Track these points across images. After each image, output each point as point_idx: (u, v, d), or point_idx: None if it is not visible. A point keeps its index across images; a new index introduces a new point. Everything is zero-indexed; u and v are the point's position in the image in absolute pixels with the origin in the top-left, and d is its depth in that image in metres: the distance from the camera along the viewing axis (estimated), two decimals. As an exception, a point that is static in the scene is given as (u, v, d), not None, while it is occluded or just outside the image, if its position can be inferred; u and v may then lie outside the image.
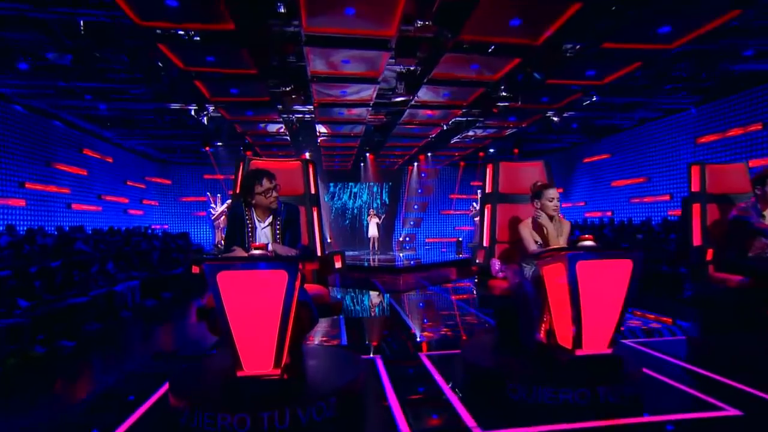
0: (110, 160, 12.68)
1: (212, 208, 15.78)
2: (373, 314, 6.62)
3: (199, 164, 16.13)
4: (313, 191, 3.71)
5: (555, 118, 10.09)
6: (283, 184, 2.99)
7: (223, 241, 15.45)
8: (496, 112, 9.80)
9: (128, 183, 13.89)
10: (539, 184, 3.44)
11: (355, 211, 17.96)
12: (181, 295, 8.53)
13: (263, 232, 2.93)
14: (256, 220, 2.92)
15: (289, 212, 2.99)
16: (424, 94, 8.65)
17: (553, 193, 3.35)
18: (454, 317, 5.88)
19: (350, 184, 17.94)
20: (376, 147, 14.49)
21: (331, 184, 17.65)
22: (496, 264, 3.58)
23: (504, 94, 8.32)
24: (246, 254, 2.75)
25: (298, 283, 2.56)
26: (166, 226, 15.61)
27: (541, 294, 3.02)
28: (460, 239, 15.57)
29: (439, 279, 10.21)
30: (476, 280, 3.73)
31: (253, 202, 2.84)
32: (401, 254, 15.02)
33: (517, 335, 3.14)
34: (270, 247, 2.75)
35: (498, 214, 3.85)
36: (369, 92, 8.56)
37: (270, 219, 2.92)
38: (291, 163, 3.79)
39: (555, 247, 3.17)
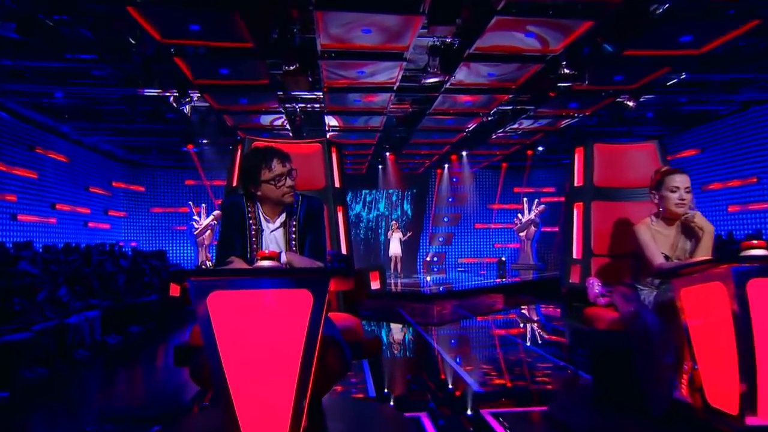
0: (67, 160, 12.69)
1: (195, 221, 15.51)
2: (404, 354, 6.38)
3: (179, 167, 16.22)
4: (338, 184, 3.34)
5: (630, 103, 9.70)
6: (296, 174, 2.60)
7: (208, 261, 15.27)
8: (553, 97, 9.57)
9: (90, 189, 13.93)
10: (663, 170, 2.96)
11: (371, 223, 17.75)
12: (154, 329, 8.44)
13: (273, 236, 2.57)
14: (263, 220, 2.55)
15: (309, 208, 2.60)
16: (463, 74, 8.49)
17: (679, 179, 2.88)
18: (520, 360, 5.63)
19: (364, 191, 17.89)
20: (398, 145, 14.40)
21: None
22: (595, 285, 3.11)
23: (566, 71, 8.00)
24: (249, 267, 2.35)
25: (325, 310, 2.12)
26: (135, 243, 15.66)
27: (673, 329, 2.52)
28: (503, 259, 15.36)
29: (481, 308, 10.06)
30: (564, 308, 3.27)
31: (259, 193, 2.50)
32: (428, 277, 15.00)
33: (630, 388, 2.64)
34: (283, 258, 2.37)
35: (594, 216, 3.38)
36: (393, 73, 8.43)
37: (283, 218, 2.57)
38: (307, 145, 3.41)
39: (695, 260, 2.67)
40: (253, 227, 2.54)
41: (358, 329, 2.82)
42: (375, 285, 2.91)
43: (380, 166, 16.97)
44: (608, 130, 12.80)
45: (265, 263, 2.22)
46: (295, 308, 2.11)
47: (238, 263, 2.43)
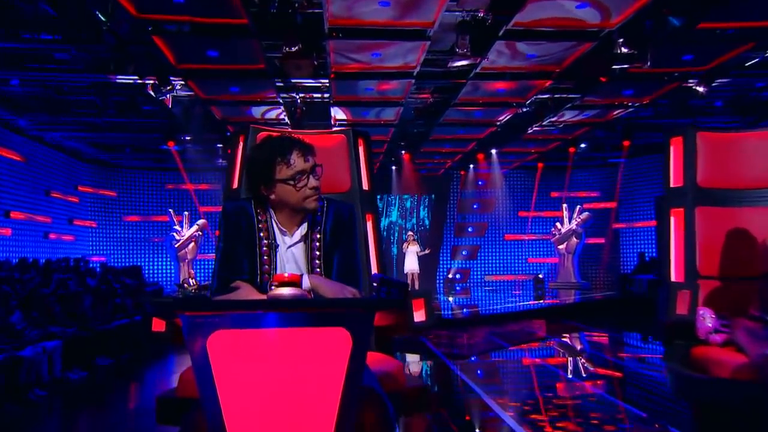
0: (24, 160, 12.73)
1: (176, 231, 15.92)
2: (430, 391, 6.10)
3: (157, 168, 16.27)
4: (366, 186, 3.10)
5: (700, 89, 9.48)
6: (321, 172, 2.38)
7: (191, 279, 15.18)
8: (605, 82, 9.48)
9: (52, 195, 13.90)
10: None
11: (382, 234, 17.67)
12: (127, 361, 8.35)
13: (290, 253, 2.31)
14: (278, 232, 2.31)
15: (339, 216, 2.35)
16: (497, 55, 8.44)
17: None
18: (583, 406, 5.45)
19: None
20: (415, 141, 14.40)
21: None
22: (707, 318, 2.78)
23: (623, 50, 7.84)
24: (262, 296, 2.09)
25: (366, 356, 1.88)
26: (104, 258, 15.68)
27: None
28: (541, 276, 15.32)
29: (520, 336, 10.02)
30: (664, 347, 2.95)
31: (273, 197, 2.25)
32: (450, 298, 14.94)
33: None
34: (306, 283, 2.11)
35: (699, 226, 3.06)
36: (414, 55, 8.40)
37: (304, 229, 2.32)
38: (328, 136, 3.16)
39: None
40: (265, 241, 2.28)
41: (399, 376, 2.53)
42: (419, 317, 2.68)
43: (393, 167, 17.03)
44: (666, 123, 12.59)
45: (285, 291, 1.92)
46: (327, 353, 1.83)
47: (246, 291, 2.15)
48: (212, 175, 16.09)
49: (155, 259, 16.60)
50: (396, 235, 17.93)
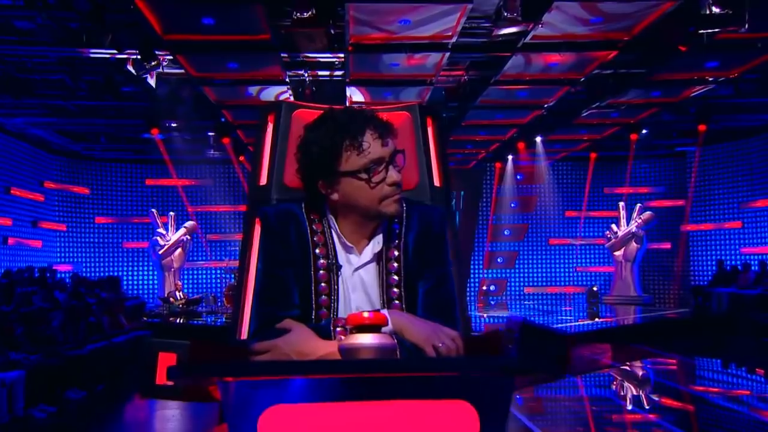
0: None
1: (160, 235, 15.99)
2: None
3: (138, 161, 16.37)
4: (438, 182, 2.68)
5: None
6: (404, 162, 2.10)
7: (179, 293, 15.27)
8: (684, 53, 9.28)
9: (13, 192, 13.93)
10: None
11: (458, 247, 18.02)
12: (103, 393, 8.29)
13: (358, 278, 2.01)
14: (341, 247, 2.01)
15: (425, 225, 2.04)
16: (554, 18, 8.27)
17: None
18: None
19: None
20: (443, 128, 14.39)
21: None
22: None
23: (715, 10, 7.72)
24: (329, 346, 1.77)
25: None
26: (74, 267, 15.63)
27: None
28: (595, 288, 15.28)
29: (579, 363, 9.83)
30: None
31: (335, 197, 1.95)
32: (485, 314, 14.92)
33: None
34: (391, 326, 1.75)
35: None
36: (450, 22, 8.32)
37: (377, 244, 2.00)
38: (384, 114, 2.71)
39: None
40: (323, 261, 1.96)
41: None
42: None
43: (417, 158, 17.07)
44: (751, 102, 12.50)
45: (367, 340, 1.57)
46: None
47: (301, 336, 1.79)
48: (204, 169, 16.22)
49: (135, 268, 16.59)
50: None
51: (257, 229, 2.63)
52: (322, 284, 1.93)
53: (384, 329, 1.72)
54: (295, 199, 2.54)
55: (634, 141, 14.66)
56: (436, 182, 2.74)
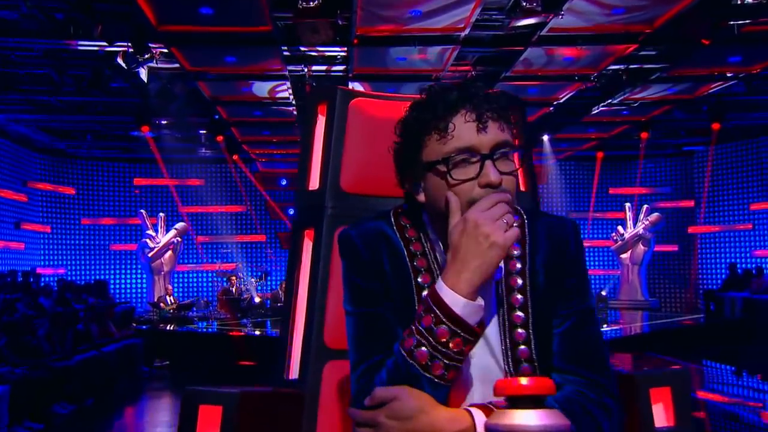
0: None
1: (150, 237, 15.90)
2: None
3: (126, 159, 16.28)
4: (523, 187, 2.38)
5: None
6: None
7: (170, 297, 15.19)
8: (707, 46, 9.07)
9: None
10: None
11: None
12: (93, 407, 8.22)
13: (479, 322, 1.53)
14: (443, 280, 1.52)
15: (557, 244, 1.63)
16: (574, 8, 8.16)
17: None
18: None
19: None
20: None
21: None
22: None
23: (746, 0, 7.75)
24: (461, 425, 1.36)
25: None
26: (62, 270, 15.60)
27: None
28: (604, 293, 15.05)
29: None
30: None
31: (422, 199, 1.60)
32: None
33: None
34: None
35: None
36: (464, 13, 8.18)
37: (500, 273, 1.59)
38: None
39: None
40: (435, 302, 1.51)
41: None
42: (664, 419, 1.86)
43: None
44: (763, 100, 12.43)
45: (531, 421, 1.15)
46: None
47: (415, 403, 1.35)
48: (196, 168, 16.15)
49: (124, 272, 16.52)
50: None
51: (307, 245, 2.23)
52: (434, 327, 1.47)
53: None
54: (358, 207, 2.15)
55: (646, 139, 14.57)
56: (522, 186, 2.40)
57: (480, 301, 1.35)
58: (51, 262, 15.62)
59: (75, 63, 9.94)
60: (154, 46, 8.97)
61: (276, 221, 17.14)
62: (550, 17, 8.10)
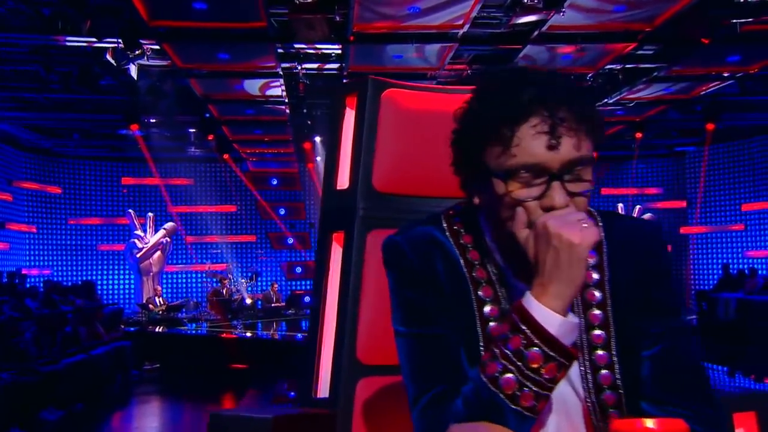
0: None
1: (138, 237, 15.84)
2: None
3: (114, 158, 16.33)
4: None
5: None
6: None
7: (157, 298, 15.24)
8: (707, 45, 9.09)
9: None
10: None
11: None
12: (82, 413, 8.14)
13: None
14: (507, 286, 1.41)
15: (639, 249, 1.43)
16: (575, 8, 8.13)
17: None
18: None
19: None
20: None
21: None
22: None
23: None
24: None
25: None
26: (48, 271, 15.61)
27: None
28: None
29: None
30: None
31: (477, 201, 1.38)
32: None
33: None
34: None
35: None
36: (464, 7, 8.08)
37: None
38: None
39: None
40: (491, 308, 1.36)
41: None
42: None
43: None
44: (756, 101, 12.40)
45: None
46: None
47: None
48: (186, 167, 16.11)
49: (111, 273, 16.46)
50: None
51: (335, 249, 2.03)
52: (509, 355, 1.27)
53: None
54: (391, 208, 1.96)
55: (640, 140, 14.56)
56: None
57: (575, 318, 1.17)
58: (37, 263, 15.56)
59: (63, 59, 9.86)
60: (145, 42, 8.90)
61: (267, 221, 17.11)
62: (551, 14, 8.04)
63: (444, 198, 1.95)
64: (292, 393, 8.87)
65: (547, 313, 1.15)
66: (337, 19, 8.28)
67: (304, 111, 12.14)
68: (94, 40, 8.71)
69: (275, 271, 17.15)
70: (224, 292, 14.69)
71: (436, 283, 1.35)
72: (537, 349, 1.15)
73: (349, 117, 2.13)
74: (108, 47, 8.95)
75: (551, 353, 1.14)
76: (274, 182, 17.00)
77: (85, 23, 8.30)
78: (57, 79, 10.47)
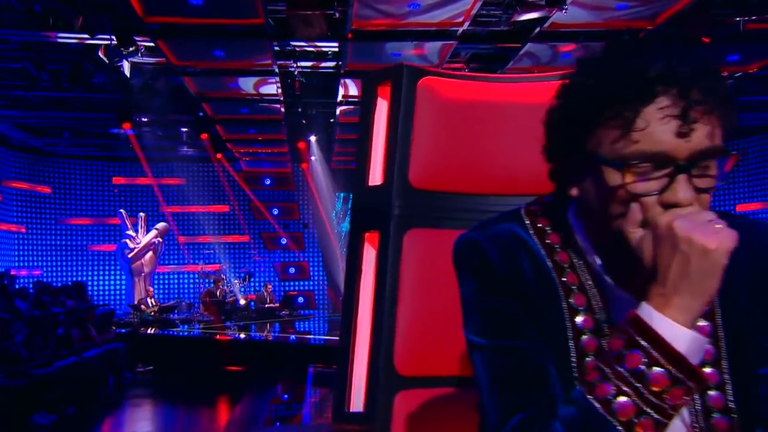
0: None
1: (129, 237, 15.85)
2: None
3: (105, 158, 16.32)
4: None
5: None
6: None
7: (149, 299, 15.22)
8: (707, 44, 8.96)
9: None
10: None
11: None
12: (74, 417, 8.14)
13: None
14: (606, 291, 1.23)
15: (759, 255, 1.27)
16: (578, 5, 8.09)
17: None
18: None
19: None
20: None
21: (342, 195, 17.65)
22: None
23: None
24: None
25: None
26: (38, 272, 15.65)
27: None
28: None
29: None
30: None
31: (575, 192, 1.19)
32: None
33: None
34: None
35: None
36: (465, 4, 8.07)
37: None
38: (533, 84, 2.04)
39: None
40: (584, 318, 1.20)
41: None
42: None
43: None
44: (752, 101, 12.43)
45: None
46: None
47: None
48: (179, 167, 16.09)
49: (102, 273, 16.48)
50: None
51: (367, 251, 1.87)
52: (589, 359, 1.16)
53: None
54: (431, 206, 1.81)
55: None
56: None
57: (701, 335, 1.01)
58: (26, 263, 15.58)
59: (54, 56, 9.80)
60: (139, 39, 8.86)
61: (260, 221, 17.06)
62: (554, 11, 8.03)
63: (488, 195, 1.82)
64: (286, 395, 8.83)
65: (676, 329, 1.00)
66: (336, 15, 8.26)
67: (299, 110, 12.16)
68: (86, 36, 8.63)
69: (269, 272, 17.14)
70: (218, 293, 14.64)
71: (523, 289, 1.20)
72: (661, 369, 0.99)
73: (382, 107, 1.98)
74: (100, 44, 8.91)
75: (678, 374, 0.98)
76: (268, 182, 16.98)
77: (77, 19, 8.24)
78: (48, 77, 10.41)
